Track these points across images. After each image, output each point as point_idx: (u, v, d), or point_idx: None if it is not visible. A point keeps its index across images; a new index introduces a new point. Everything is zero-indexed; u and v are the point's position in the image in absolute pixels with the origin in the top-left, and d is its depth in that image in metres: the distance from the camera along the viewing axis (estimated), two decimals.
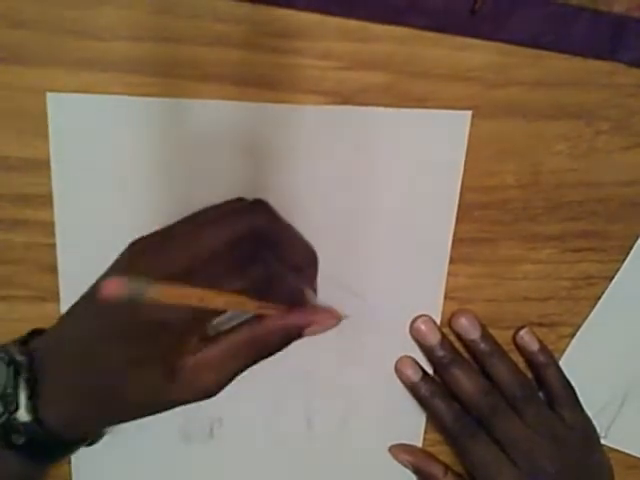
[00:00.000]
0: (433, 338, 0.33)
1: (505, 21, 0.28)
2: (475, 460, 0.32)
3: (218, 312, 0.25)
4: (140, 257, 0.25)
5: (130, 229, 0.29)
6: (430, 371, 0.34)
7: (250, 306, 0.25)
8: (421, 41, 0.28)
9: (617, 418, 0.37)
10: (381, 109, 0.29)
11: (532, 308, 0.35)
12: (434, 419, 0.34)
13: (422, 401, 0.34)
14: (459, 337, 0.34)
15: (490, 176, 0.32)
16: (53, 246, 0.29)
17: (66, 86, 0.27)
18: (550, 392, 0.34)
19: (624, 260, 0.34)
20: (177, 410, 0.27)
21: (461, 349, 0.34)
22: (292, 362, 0.33)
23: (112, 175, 0.28)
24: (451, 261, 0.33)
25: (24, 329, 0.28)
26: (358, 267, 0.32)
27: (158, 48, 0.27)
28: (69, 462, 0.33)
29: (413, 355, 0.34)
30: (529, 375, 0.35)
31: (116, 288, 0.19)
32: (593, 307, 0.35)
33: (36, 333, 0.28)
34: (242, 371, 0.26)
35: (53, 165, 0.28)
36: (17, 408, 0.24)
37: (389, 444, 0.36)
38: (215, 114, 0.28)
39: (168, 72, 0.27)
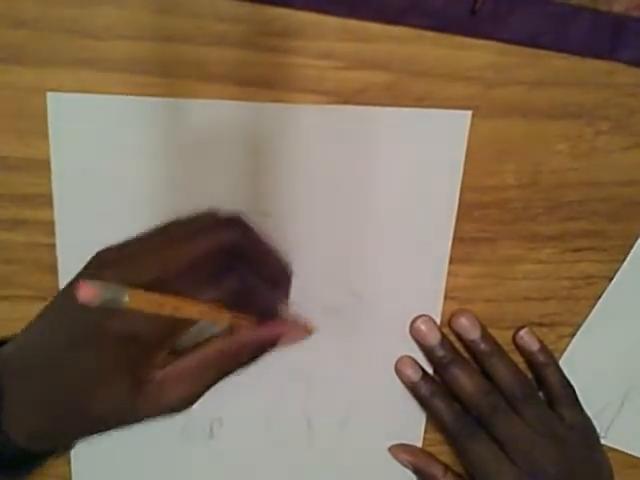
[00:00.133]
0: (433, 338, 0.33)
1: (505, 21, 0.28)
2: (475, 459, 0.32)
3: (189, 325, 0.24)
4: (108, 267, 0.24)
5: (130, 229, 0.29)
6: (430, 371, 0.34)
7: (224, 316, 0.24)
8: (421, 41, 0.28)
9: (617, 418, 0.37)
10: (381, 109, 0.29)
11: (532, 308, 0.35)
12: (434, 419, 0.34)
13: (422, 401, 0.34)
14: (459, 337, 0.34)
15: (490, 176, 0.32)
16: (53, 246, 0.29)
17: (66, 86, 0.27)
18: (550, 392, 0.34)
19: (624, 260, 0.34)
20: None
21: (461, 349, 0.34)
22: (292, 362, 0.33)
23: (112, 175, 0.28)
24: (451, 261, 0.33)
25: None
26: (358, 267, 0.32)
27: (158, 48, 0.27)
28: (69, 462, 0.33)
29: (413, 355, 0.34)
30: (529, 375, 0.35)
31: (91, 292, 0.19)
32: (593, 307, 0.35)
33: (1, 343, 0.26)
34: (211, 386, 0.26)
35: (53, 165, 0.28)
36: None
37: (389, 444, 0.36)
38: (215, 114, 0.28)
39: (168, 72, 0.27)
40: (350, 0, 0.27)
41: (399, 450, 0.36)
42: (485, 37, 0.29)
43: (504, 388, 0.33)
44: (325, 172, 0.30)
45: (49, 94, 0.27)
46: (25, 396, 0.24)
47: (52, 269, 0.29)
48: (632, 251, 0.34)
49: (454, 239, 0.32)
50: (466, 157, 0.31)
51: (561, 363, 0.36)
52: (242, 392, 0.33)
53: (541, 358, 0.34)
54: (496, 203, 0.32)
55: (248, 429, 0.34)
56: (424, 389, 0.33)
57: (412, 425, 0.36)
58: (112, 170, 0.28)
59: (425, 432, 0.36)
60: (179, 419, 0.33)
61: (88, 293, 0.19)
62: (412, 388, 0.34)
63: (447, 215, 0.32)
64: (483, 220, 0.32)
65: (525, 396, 0.33)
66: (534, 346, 0.34)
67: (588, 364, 0.36)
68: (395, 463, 0.36)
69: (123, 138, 0.28)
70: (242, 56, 0.27)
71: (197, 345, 0.26)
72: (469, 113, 0.30)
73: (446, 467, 0.35)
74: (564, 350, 0.36)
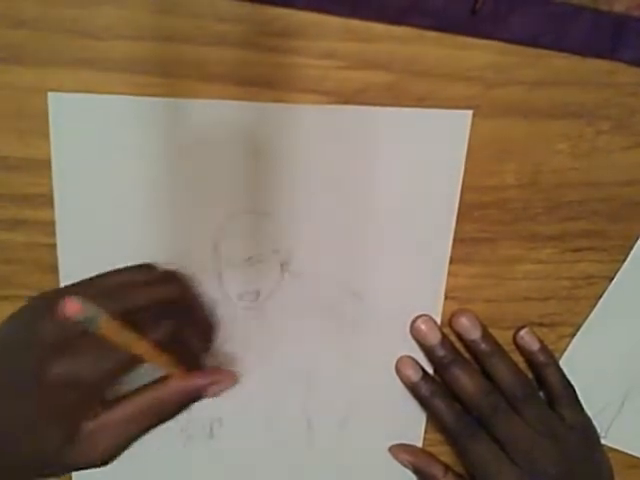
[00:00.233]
0: (433, 338, 0.33)
1: (505, 21, 0.28)
2: (475, 460, 0.32)
3: (128, 370, 0.25)
4: (46, 312, 0.24)
5: (130, 229, 0.29)
6: (430, 371, 0.34)
7: (162, 359, 0.25)
8: (422, 41, 0.28)
9: (617, 418, 0.37)
10: (382, 109, 0.29)
11: (532, 308, 0.35)
12: (434, 419, 0.34)
13: (422, 401, 0.34)
14: (459, 337, 0.34)
15: (490, 176, 0.32)
16: (53, 246, 0.29)
17: (66, 86, 0.27)
18: (550, 392, 0.34)
19: (624, 260, 0.34)
20: None
21: (461, 349, 0.34)
22: (292, 362, 0.33)
23: (112, 175, 0.28)
24: (451, 261, 0.33)
25: None
26: (358, 267, 0.32)
27: (159, 48, 0.27)
28: None
29: (413, 355, 0.34)
30: (529, 375, 0.35)
31: (77, 307, 0.20)
32: (593, 307, 0.35)
33: None
34: (140, 437, 0.26)
35: (54, 165, 0.28)
36: None
37: (389, 444, 0.36)
38: (216, 114, 0.28)
39: (169, 72, 0.27)
40: (351, 0, 0.27)
41: (399, 450, 0.36)
42: (486, 37, 0.29)
43: (505, 388, 0.33)
44: (325, 172, 0.30)
45: (50, 94, 0.27)
46: None
47: (52, 269, 0.29)
48: (632, 251, 0.34)
49: (454, 239, 0.32)
50: (466, 157, 0.31)
51: (561, 363, 0.36)
52: (242, 392, 0.33)
53: (541, 358, 0.34)
54: (496, 203, 0.32)
55: (248, 429, 0.34)
56: (424, 389, 0.33)
57: (412, 425, 0.36)
58: (112, 170, 0.28)
59: (425, 432, 0.36)
60: (179, 419, 0.33)
61: (73, 308, 0.20)
62: (412, 388, 0.34)
63: (447, 215, 0.32)
64: (483, 220, 0.32)
65: (525, 396, 0.33)
66: (534, 346, 0.34)
67: (588, 364, 0.36)
68: (395, 463, 0.36)
69: (123, 138, 0.28)
70: (242, 56, 0.27)
71: (126, 395, 0.26)
72: (470, 113, 0.30)
73: (446, 467, 0.35)
74: (564, 350, 0.36)
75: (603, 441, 0.36)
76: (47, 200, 0.28)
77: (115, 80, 0.27)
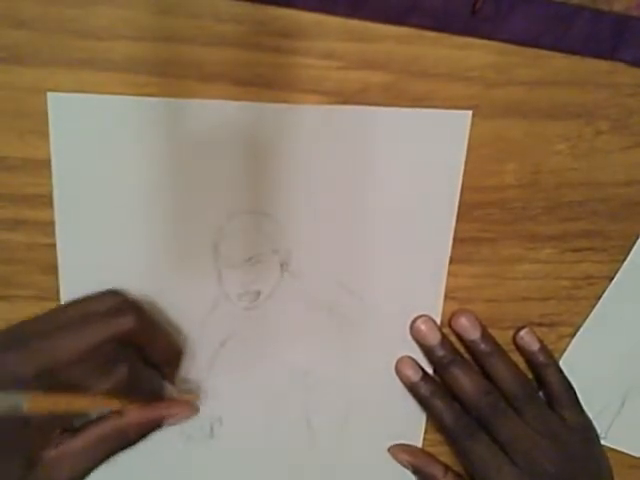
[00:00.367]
0: (433, 338, 0.33)
1: (505, 21, 0.28)
2: (475, 460, 0.32)
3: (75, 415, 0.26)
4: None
5: (130, 229, 0.29)
6: (430, 371, 0.34)
7: (114, 404, 0.26)
8: (421, 41, 0.28)
9: (617, 418, 0.37)
10: (381, 109, 0.29)
11: (532, 308, 0.35)
12: (434, 419, 0.34)
13: (422, 401, 0.34)
14: (459, 337, 0.34)
15: (490, 176, 0.32)
16: (53, 246, 0.29)
17: (66, 86, 0.27)
18: (550, 392, 0.34)
19: (624, 260, 0.34)
20: None
21: (461, 349, 0.34)
22: (292, 362, 0.33)
23: (112, 175, 0.28)
24: (451, 261, 0.33)
25: None
26: (358, 267, 0.32)
27: (158, 48, 0.27)
28: None
29: (413, 355, 0.34)
30: (529, 375, 0.35)
31: None
32: (593, 307, 0.35)
33: None
34: (101, 464, 0.27)
35: (53, 165, 0.28)
36: None
37: (389, 444, 0.36)
38: (216, 114, 0.28)
39: (168, 72, 0.27)
40: (351, 0, 0.27)
41: (399, 450, 0.36)
42: (485, 37, 0.29)
43: (504, 388, 0.33)
44: (325, 172, 0.30)
45: (49, 94, 0.27)
46: None
47: (52, 269, 0.29)
48: (632, 251, 0.34)
49: (454, 239, 0.32)
50: (466, 157, 0.31)
51: (561, 363, 0.36)
52: (242, 392, 0.33)
53: (541, 358, 0.34)
54: (496, 203, 0.32)
55: (248, 429, 0.34)
56: (424, 389, 0.33)
57: (412, 425, 0.36)
58: (112, 170, 0.28)
59: (425, 432, 0.36)
60: None
61: None
62: (412, 388, 0.34)
63: (447, 215, 0.32)
64: (483, 220, 0.32)
65: (525, 396, 0.33)
66: (534, 346, 0.34)
67: (588, 364, 0.36)
68: (395, 463, 0.36)
69: (123, 138, 0.28)
70: (242, 56, 0.27)
71: (89, 424, 0.27)
72: (469, 113, 0.30)
73: (446, 467, 0.35)
74: (564, 350, 0.36)
75: (603, 441, 0.36)
76: (47, 200, 0.28)
77: (115, 80, 0.27)
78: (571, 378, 0.35)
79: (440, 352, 0.33)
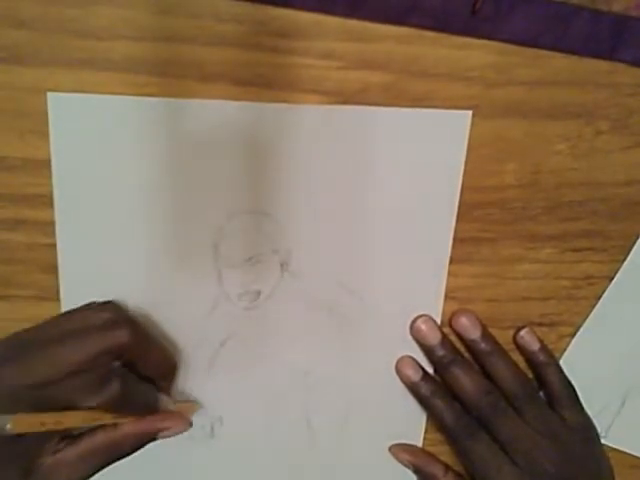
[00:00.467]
0: (433, 338, 0.33)
1: (505, 21, 0.28)
2: (475, 459, 0.32)
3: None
4: None
5: (130, 229, 0.29)
6: (430, 371, 0.34)
7: (106, 419, 0.27)
8: (421, 41, 0.28)
9: (617, 418, 0.37)
10: (381, 109, 0.29)
11: (532, 308, 0.35)
12: (434, 419, 0.34)
13: (422, 401, 0.34)
14: (460, 337, 0.34)
15: (490, 176, 0.32)
16: (53, 246, 0.29)
17: (66, 86, 0.27)
18: (551, 392, 0.34)
19: (624, 260, 0.34)
20: None
21: (462, 349, 0.34)
22: (292, 362, 0.33)
23: (112, 175, 0.28)
24: (451, 261, 0.33)
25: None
26: (358, 267, 0.32)
27: (158, 48, 0.27)
28: None
29: (413, 355, 0.34)
30: (529, 375, 0.35)
31: None
32: (593, 307, 0.35)
33: None
34: (97, 472, 0.27)
35: (53, 165, 0.28)
36: None
37: (389, 444, 0.36)
38: (216, 114, 0.28)
39: (168, 72, 0.27)
40: (350, 0, 0.27)
41: (399, 450, 0.36)
42: (485, 37, 0.29)
43: (505, 388, 0.33)
44: (325, 172, 0.30)
45: (49, 94, 0.27)
46: None
47: (52, 269, 0.29)
48: (632, 251, 0.34)
49: (454, 239, 0.32)
50: (466, 157, 0.31)
51: (561, 363, 0.36)
52: (242, 392, 0.33)
53: (542, 358, 0.34)
54: (496, 203, 0.32)
55: (248, 428, 0.34)
56: (424, 389, 0.33)
57: (412, 425, 0.36)
58: (112, 170, 0.28)
59: (425, 432, 0.36)
60: None
61: None
62: (412, 388, 0.34)
63: (447, 215, 0.32)
64: (483, 220, 0.32)
65: (526, 396, 0.33)
66: (535, 346, 0.34)
67: (588, 364, 0.36)
68: (395, 463, 0.36)
69: (123, 138, 0.28)
70: (242, 56, 0.27)
71: (85, 433, 0.27)
72: (469, 113, 0.30)
73: (446, 467, 0.35)
74: (564, 350, 0.36)
75: (603, 441, 0.36)
76: (47, 200, 0.28)
77: (115, 80, 0.27)
78: (571, 378, 0.35)
79: (440, 352, 0.33)
